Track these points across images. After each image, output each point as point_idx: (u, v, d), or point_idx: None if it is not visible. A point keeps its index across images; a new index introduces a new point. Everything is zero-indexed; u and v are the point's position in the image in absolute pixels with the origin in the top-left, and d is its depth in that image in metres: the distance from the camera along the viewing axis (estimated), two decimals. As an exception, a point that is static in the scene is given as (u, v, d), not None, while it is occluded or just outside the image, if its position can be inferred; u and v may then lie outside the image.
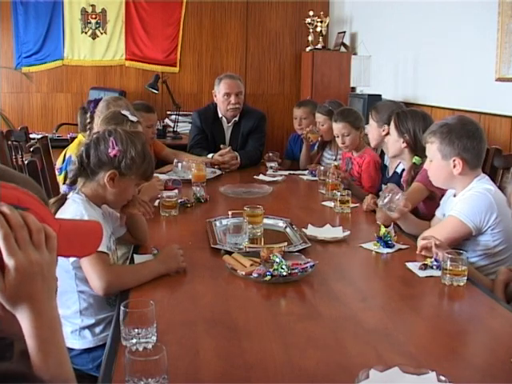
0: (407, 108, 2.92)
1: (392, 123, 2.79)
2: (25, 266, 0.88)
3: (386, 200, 2.28)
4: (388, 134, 2.90)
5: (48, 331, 0.91)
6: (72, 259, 1.75)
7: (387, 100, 3.47)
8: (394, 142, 2.78)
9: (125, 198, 1.96)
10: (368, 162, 3.28)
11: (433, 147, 2.20)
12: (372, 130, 3.17)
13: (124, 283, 1.74)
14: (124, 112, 2.52)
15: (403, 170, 2.88)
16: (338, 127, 3.36)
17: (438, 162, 2.18)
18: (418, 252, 1.95)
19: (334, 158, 3.76)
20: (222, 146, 3.75)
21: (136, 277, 1.77)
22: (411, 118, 2.72)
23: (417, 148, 2.70)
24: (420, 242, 2.01)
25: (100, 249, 1.70)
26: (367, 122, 3.51)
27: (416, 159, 2.68)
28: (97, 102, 2.93)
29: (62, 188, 1.94)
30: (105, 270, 1.71)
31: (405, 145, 2.73)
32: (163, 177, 3.16)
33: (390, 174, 2.99)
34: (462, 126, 2.17)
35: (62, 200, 1.88)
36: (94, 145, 1.88)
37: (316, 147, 3.95)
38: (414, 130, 2.69)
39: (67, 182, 1.95)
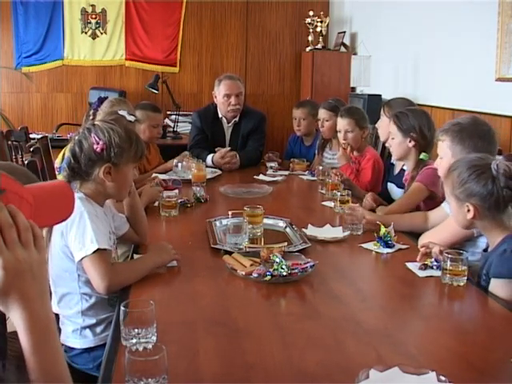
0: (406, 108, 2.88)
1: (393, 126, 2.73)
2: (12, 265, 0.87)
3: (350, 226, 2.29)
4: None
5: (42, 331, 0.91)
6: (77, 260, 1.74)
7: (399, 97, 3.45)
8: (400, 144, 2.70)
9: (127, 185, 1.94)
10: (368, 159, 3.28)
11: (444, 145, 2.20)
12: (384, 125, 3.08)
13: (124, 279, 1.74)
14: (121, 112, 2.51)
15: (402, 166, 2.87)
16: (342, 123, 3.35)
17: (449, 161, 2.16)
18: (418, 260, 1.94)
19: (335, 157, 3.74)
20: (216, 149, 3.74)
21: (135, 272, 1.77)
22: (412, 116, 2.68)
23: (425, 144, 2.65)
24: (420, 249, 1.98)
25: (102, 246, 1.71)
26: (370, 123, 3.50)
27: (424, 155, 2.64)
28: (102, 100, 2.94)
29: None
30: (107, 269, 1.71)
31: (412, 143, 2.66)
32: (163, 177, 3.16)
33: (397, 171, 2.97)
34: (474, 126, 2.16)
35: None
36: (78, 147, 1.85)
37: (316, 150, 3.93)
38: (419, 126, 2.64)
39: None
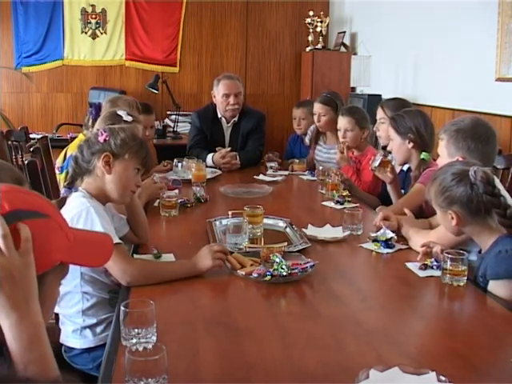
0: (402, 110, 2.86)
1: (391, 129, 2.73)
2: None
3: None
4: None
5: (27, 338, 0.90)
6: None
7: (394, 98, 3.44)
8: (400, 147, 2.70)
9: (126, 183, 1.91)
10: (369, 158, 3.27)
11: (442, 144, 2.22)
12: (385, 128, 3.05)
13: (147, 275, 1.73)
14: (119, 112, 2.51)
15: (409, 167, 2.86)
16: (343, 121, 3.35)
17: (445, 160, 2.18)
18: (419, 259, 1.93)
19: (331, 151, 3.71)
20: (217, 148, 3.75)
21: (159, 271, 1.77)
22: (408, 117, 2.68)
23: (423, 144, 2.67)
24: (421, 249, 1.98)
25: (115, 241, 1.71)
26: (370, 123, 3.49)
27: (424, 155, 2.64)
28: (99, 106, 2.94)
29: (62, 191, 1.95)
30: (127, 262, 1.72)
31: (411, 145, 2.66)
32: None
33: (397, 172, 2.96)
34: (470, 128, 2.17)
35: (62, 202, 1.88)
36: (85, 142, 1.93)
37: (309, 141, 3.92)
38: (415, 126, 2.65)
39: (65, 183, 1.96)
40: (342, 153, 3.29)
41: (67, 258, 1.00)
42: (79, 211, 1.76)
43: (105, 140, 1.87)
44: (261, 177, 3.43)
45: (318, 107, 3.75)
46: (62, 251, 0.97)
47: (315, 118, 3.77)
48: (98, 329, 1.83)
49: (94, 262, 1.13)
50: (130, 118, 2.49)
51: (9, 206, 0.91)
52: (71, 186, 1.93)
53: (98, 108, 2.92)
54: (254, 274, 1.76)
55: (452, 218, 1.79)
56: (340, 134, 3.37)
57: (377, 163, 2.71)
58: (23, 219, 0.92)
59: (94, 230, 1.67)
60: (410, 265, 1.93)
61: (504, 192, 1.87)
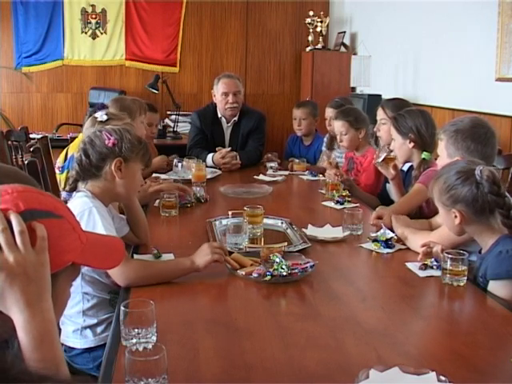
0: (404, 110, 2.87)
1: (392, 129, 2.75)
2: (4, 268, 0.88)
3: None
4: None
5: (39, 335, 0.91)
6: None
7: (394, 98, 3.44)
8: (401, 146, 2.72)
9: (135, 186, 1.96)
10: (370, 161, 3.27)
11: (441, 144, 2.23)
12: (387, 128, 3.08)
13: (144, 275, 1.72)
14: (96, 114, 2.48)
15: (409, 167, 2.87)
16: (337, 125, 3.35)
17: (444, 160, 2.18)
18: (419, 259, 1.93)
19: (342, 155, 3.71)
20: (217, 148, 3.75)
21: (156, 271, 1.76)
22: (409, 117, 2.70)
23: (424, 143, 2.68)
24: (421, 249, 1.98)
25: None
26: (370, 122, 3.48)
27: (425, 154, 2.65)
28: (102, 106, 2.94)
29: (62, 194, 1.93)
30: (125, 263, 1.68)
31: (412, 144, 2.68)
32: (163, 177, 3.16)
33: None
34: (469, 128, 2.17)
35: None
36: (89, 145, 1.89)
37: (325, 146, 3.92)
38: (416, 126, 2.66)
39: (67, 188, 1.95)
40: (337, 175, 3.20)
41: (79, 259, 1.00)
42: (82, 211, 1.76)
43: (113, 144, 1.86)
44: (261, 177, 3.43)
45: (328, 111, 3.83)
46: (74, 252, 0.98)
47: (326, 122, 3.81)
48: (99, 329, 1.84)
49: (105, 264, 1.14)
50: (104, 118, 2.44)
51: (24, 205, 0.92)
52: (73, 190, 1.92)
53: (102, 108, 2.91)
54: (254, 274, 1.76)
55: (455, 217, 1.79)
56: (338, 138, 3.37)
57: (380, 159, 2.73)
58: (37, 219, 0.93)
59: (106, 234, 1.67)
60: (409, 265, 1.93)
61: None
